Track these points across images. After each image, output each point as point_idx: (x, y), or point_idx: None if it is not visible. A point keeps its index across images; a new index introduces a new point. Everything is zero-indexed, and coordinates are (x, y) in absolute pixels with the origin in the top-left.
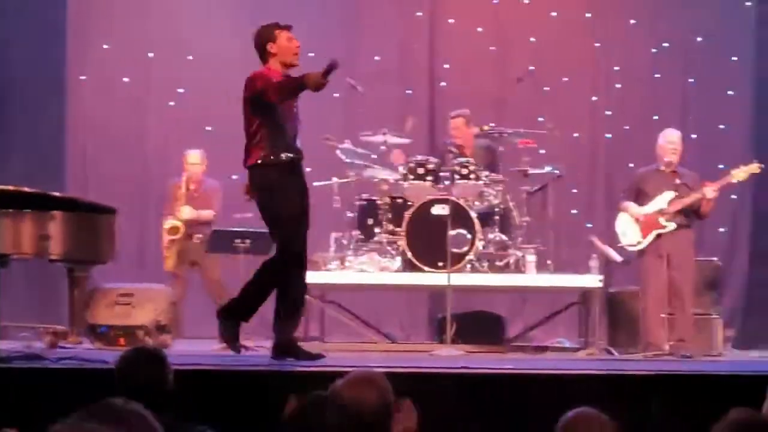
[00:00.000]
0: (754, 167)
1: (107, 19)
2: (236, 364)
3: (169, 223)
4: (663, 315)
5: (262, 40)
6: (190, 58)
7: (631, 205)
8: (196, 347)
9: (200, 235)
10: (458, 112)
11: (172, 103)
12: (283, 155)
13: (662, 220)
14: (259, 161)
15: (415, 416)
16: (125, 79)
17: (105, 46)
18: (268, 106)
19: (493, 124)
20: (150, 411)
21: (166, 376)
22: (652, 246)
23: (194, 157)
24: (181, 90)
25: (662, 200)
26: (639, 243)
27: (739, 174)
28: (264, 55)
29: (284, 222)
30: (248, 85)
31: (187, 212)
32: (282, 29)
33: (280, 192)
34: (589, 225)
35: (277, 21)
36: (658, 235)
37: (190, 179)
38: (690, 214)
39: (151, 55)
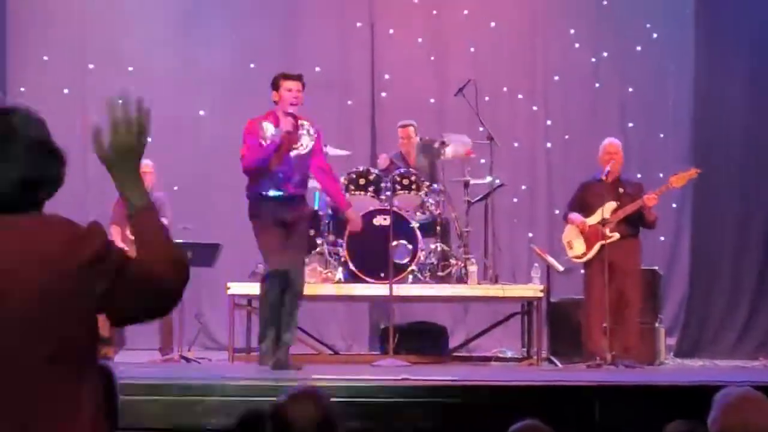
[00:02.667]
0: (692, 172)
1: (47, 31)
2: (179, 377)
3: (129, 228)
4: (605, 324)
5: (271, 87)
6: (131, 69)
7: (576, 217)
8: (139, 359)
9: None
10: (407, 121)
11: None
12: (265, 192)
13: (606, 231)
14: (247, 193)
15: None
16: (65, 91)
17: (45, 58)
18: None
19: (433, 135)
20: None
21: (114, 392)
22: (598, 256)
23: (146, 166)
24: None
25: (605, 211)
26: (584, 254)
27: (678, 180)
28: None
29: (263, 250)
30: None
31: None
32: (287, 79)
33: (260, 223)
34: (531, 234)
35: (286, 71)
36: (603, 246)
37: None
38: (635, 224)
39: (91, 66)
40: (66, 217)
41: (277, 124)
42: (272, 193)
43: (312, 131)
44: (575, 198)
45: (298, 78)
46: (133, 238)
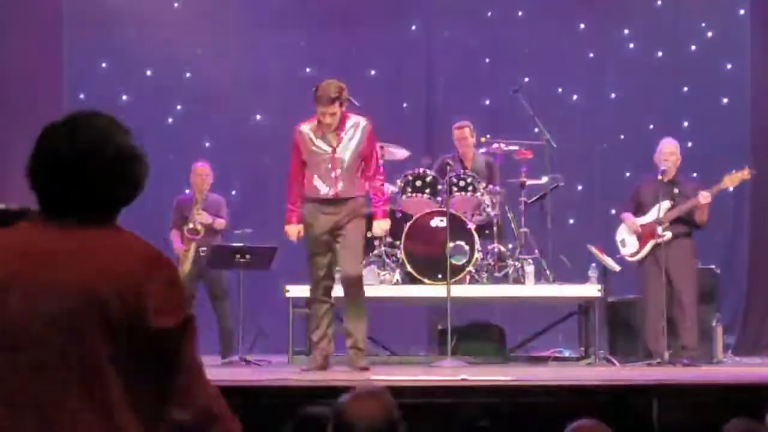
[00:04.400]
0: (745, 173)
1: (104, 37)
2: (239, 380)
3: (189, 226)
4: (662, 323)
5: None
6: (188, 75)
7: (629, 216)
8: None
9: (205, 248)
10: (463, 123)
11: (170, 120)
12: (309, 195)
13: (659, 230)
14: (301, 198)
15: None
16: (124, 97)
17: (103, 65)
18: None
19: (489, 136)
20: None
21: None
22: (651, 255)
23: (204, 169)
24: (179, 106)
25: (659, 210)
26: (637, 253)
27: (731, 180)
28: None
29: (306, 252)
30: None
31: (203, 216)
32: (317, 103)
33: (306, 227)
34: (587, 234)
35: (321, 88)
36: (657, 245)
37: (199, 191)
38: (688, 223)
39: (148, 72)
40: (145, 246)
41: (319, 132)
42: (314, 195)
43: (360, 129)
44: (631, 197)
45: (329, 102)
46: (190, 236)
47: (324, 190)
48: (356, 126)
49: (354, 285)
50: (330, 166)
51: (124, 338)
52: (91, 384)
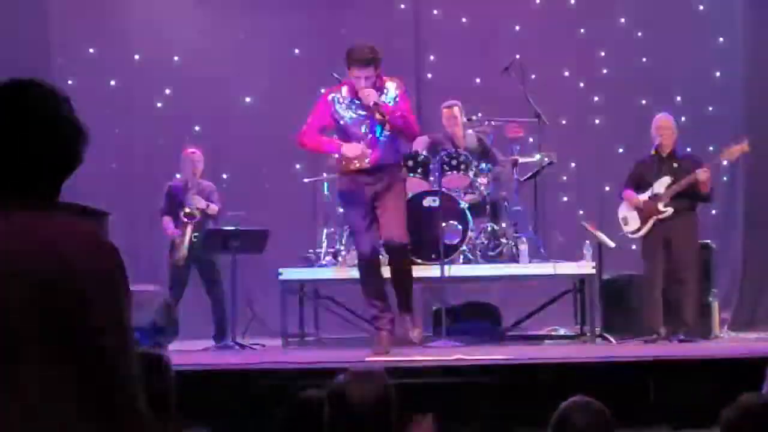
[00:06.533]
0: (744, 146)
1: (91, 23)
2: (235, 363)
3: (186, 209)
4: (659, 299)
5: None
6: (176, 59)
7: (629, 194)
8: (194, 347)
9: (197, 233)
10: (452, 102)
11: (159, 105)
12: (344, 167)
13: (660, 206)
14: (337, 171)
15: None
16: (112, 82)
17: (91, 50)
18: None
19: (480, 114)
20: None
21: (168, 381)
22: (653, 232)
23: (195, 154)
24: (168, 91)
25: (659, 186)
26: (639, 230)
27: (730, 153)
28: None
29: (349, 227)
30: None
31: (198, 200)
32: (352, 66)
33: (343, 201)
34: (581, 212)
35: (353, 53)
36: (658, 221)
37: (191, 176)
38: (691, 198)
39: (137, 57)
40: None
41: (354, 94)
42: (351, 166)
43: (394, 93)
44: (631, 174)
45: (364, 65)
46: (187, 220)
47: (358, 161)
48: (391, 88)
49: (401, 251)
50: (365, 132)
51: (56, 330)
52: (9, 375)
